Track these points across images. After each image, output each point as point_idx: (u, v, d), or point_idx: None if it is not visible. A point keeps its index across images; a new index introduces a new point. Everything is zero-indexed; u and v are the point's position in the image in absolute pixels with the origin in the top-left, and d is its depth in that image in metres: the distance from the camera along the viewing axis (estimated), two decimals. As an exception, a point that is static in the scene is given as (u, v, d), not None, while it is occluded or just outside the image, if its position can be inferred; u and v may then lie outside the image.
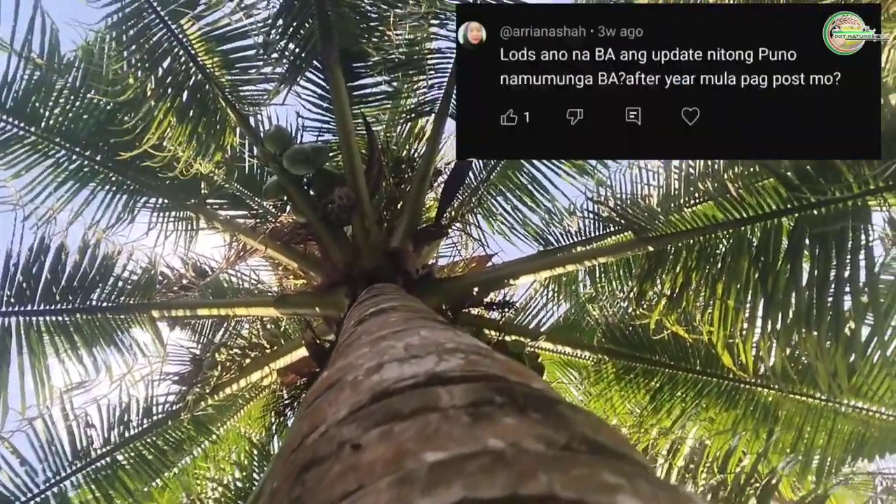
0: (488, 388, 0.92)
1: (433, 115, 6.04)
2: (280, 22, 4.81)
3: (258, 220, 5.99)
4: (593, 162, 6.17)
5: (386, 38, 5.25)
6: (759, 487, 4.10)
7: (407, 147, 6.54)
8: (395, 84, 6.05)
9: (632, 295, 5.23)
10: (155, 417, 5.56)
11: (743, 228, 4.48)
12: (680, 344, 5.28)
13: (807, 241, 4.04)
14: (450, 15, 5.54)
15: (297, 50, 4.96)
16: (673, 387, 5.29)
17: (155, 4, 4.90)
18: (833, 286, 3.84)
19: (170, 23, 5.02)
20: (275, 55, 4.99)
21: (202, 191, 5.88)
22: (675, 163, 5.33)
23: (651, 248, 5.05)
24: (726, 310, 4.38)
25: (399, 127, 6.59)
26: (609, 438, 0.84)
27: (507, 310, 5.73)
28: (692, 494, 0.70)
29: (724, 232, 4.60)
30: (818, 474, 4.56)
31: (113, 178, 5.68)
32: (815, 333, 3.90)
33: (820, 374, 3.91)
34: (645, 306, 5.13)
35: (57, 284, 5.08)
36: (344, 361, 1.33)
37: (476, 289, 5.33)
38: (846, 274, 3.81)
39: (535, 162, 6.42)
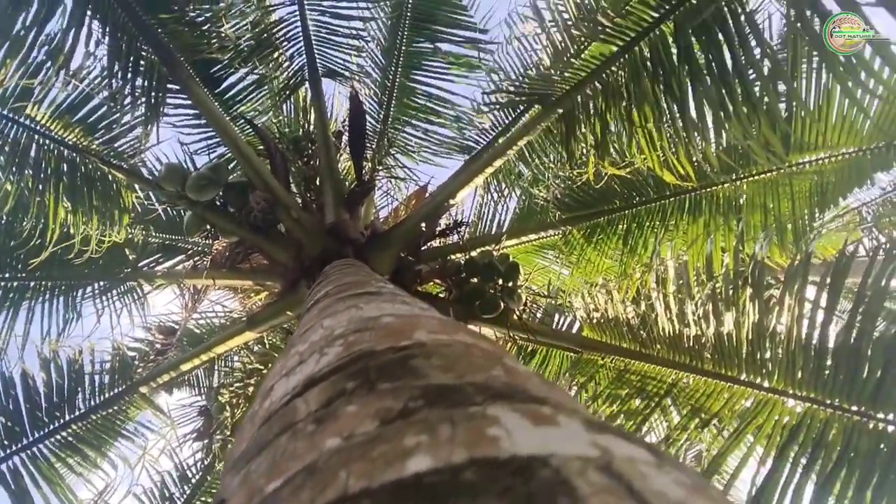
0: (344, 376, 0.90)
1: (306, 82, 5.92)
2: (116, 67, 4.63)
3: (196, 259, 5.91)
4: (477, 53, 6.10)
5: (225, 34, 5.08)
6: (749, 273, 4.22)
7: (299, 123, 6.43)
8: (257, 71, 5.91)
9: (564, 160, 5.26)
10: (193, 480, 5.60)
11: (632, 52, 4.49)
12: (627, 183, 5.34)
13: (693, 40, 4.06)
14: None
15: (146, 84, 4.79)
16: (638, 223, 5.38)
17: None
18: (731, 65, 3.87)
19: (16, 117, 4.83)
20: (128, 101, 4.82)
21: (130, 257, 5.77)
22: (548, 16, 5.27)
23: (561, 110, 5.05)
24: (650, 134, 4.42)
25: (283, 108, 6.48)
26: (469, 368, 0.80)
27: (460, 229, 5.73)
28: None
29: (618, 64, 4.60)
30: (795, 238, 4.69)
31: (42, 287, 5.56)
32: (735, 116, 3.96)
33: (755, 150, 3.98)
34: (580, 163, 5.17)
35: (39, 408, 5.02)
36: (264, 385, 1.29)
37: (423, 224, 5.31)
38: (741, 54, 3.85)
39: (426, 77, 6.34)
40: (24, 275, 5.40)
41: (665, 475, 0.53)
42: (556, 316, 5.74)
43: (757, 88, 3.96)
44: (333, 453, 0.65)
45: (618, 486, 0.49)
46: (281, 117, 6.52)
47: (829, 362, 3.82)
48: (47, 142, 4.98)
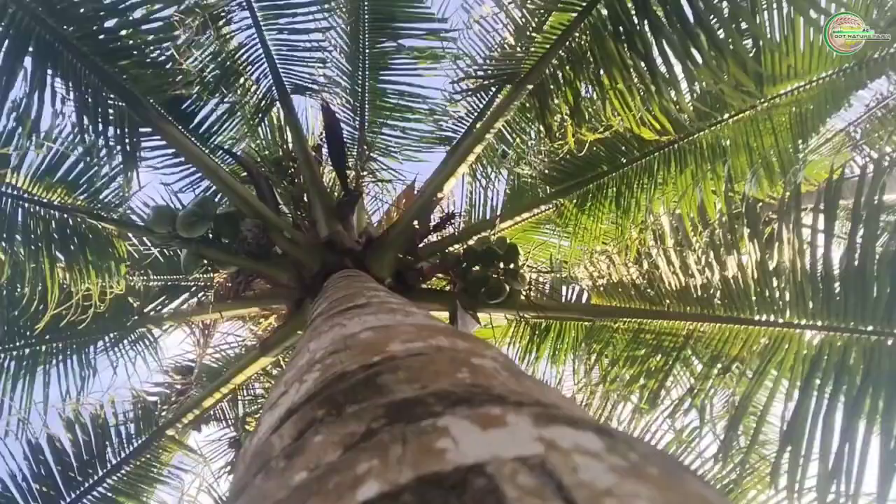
0: (316, 403, 0.90)
1: (277, 102, 5.92)
2: (86, 121, 4.64)
3: (200, 294, 5.93)
4: (441, 43, 6.08)
5: (188, 70, 5.08)
6: (743, 214, 4.21)
7: (277, 144, 6.43)
8: (227, 99, 5.91)
9: (543, 134, 5.25)
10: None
11: (591, 15, 4.48)
12: (609, 146, 5.33)
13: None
14: (226, 6, 5.38)
15: (118, 133, 4.79)
16: (627, 184, 5.37)
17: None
18: (691, 13, 3.86)
19: (7, 191, 4.86)
20: (104, 152, 4.83)
21: (135, 305, 5.79)
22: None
23: (531, 86, 5.05)
24: (622, 94, 4.42)
25: (259, 131, 6.47)
26: (435, 376, 0.80)
27: (454, 221, 5.74)
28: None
29: (579, 30, 4.60)
30: (784, 171, 4.68)
31: (53, 349, 5.59)
32: (703, 63, 3.95)
33: (728, 93, 3.97)
34: (559, 135, 5.16)
35: (71, 469, 5.06)
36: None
37: (416, 222, 5.32)
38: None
39: (394, 76, 6.32)
40: (33, 340, 5.43)
41: (601, 462, 0.54)
42: (564, 289, 5.75)
43: (720, 32, 3.95)
44: (298, 489, 0.65)
45: (547, 484, 0.50)
46: (259, 141, 6.52)
47: (837, 288, 3.82)
48: (32, 206, 4.99)
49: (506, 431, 0.61)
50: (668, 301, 4.75)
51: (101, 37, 4.48)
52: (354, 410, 0.80)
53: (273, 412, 1.05)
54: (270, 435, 0.93)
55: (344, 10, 5.96)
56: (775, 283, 4.09)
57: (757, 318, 4.26)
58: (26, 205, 4.97)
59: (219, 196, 5.92)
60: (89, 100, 4.48)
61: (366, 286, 2.63)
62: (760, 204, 4.68)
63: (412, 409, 0.72)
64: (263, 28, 5.56)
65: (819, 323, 3.90)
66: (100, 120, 4.61)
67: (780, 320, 4.13)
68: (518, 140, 5.80)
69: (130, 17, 4.60)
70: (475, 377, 0.83)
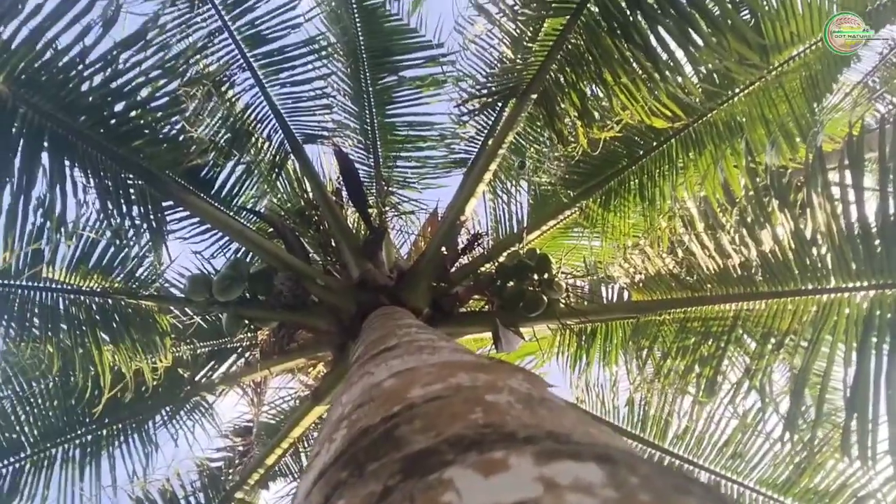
0: (341, 465, 0.89)
1: (290, 154, 6.00)
2: (110, 206, 4.74)
3: (247, 354, 5.99)
4: (441, 69, 6.12)
5: (199, 139, 5.18)
6: (770, 185, 4.14)
7: (297, 194, 6.51)
8: (243, 161, 5.99)
9: (556, 140, 5.25)
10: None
11: (584, 15, 4.48)
12: (625, 140, 5.31)
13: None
14: (227, 71, 5.48)
15: (142, 211, 4.88)
16: (648, 175, 5.33)
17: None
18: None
19: (35, 284, 4.98)
20: (131, 232, 4.93)
21: (185, 375, 5.88)
22: (494, 9, 5.28)
23: (535, 95, 5.05)
24: (627, 87, 4.40)
25: (278, 185, 6.55)
26: (450, 421, 0.80)
27: (480, 240, 5.74)
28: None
29: (574, 31, 4.59)
30: (803, 136, 4.61)
31: (114, 431, 5.69)
32: (704, 43, 3.92)
33: (732, 68, 3.94)
34: (572, 139, 5.14)
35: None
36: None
37: (443, 248, 5.33)
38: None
39: (400, 109, 6.38)
40: (94, 426, 5.54)
41: (593, 498, 0.54)
42: (603, 290, 5.70)
43: (716, 10, 3.92)
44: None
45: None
46: (279, 194, 6.60)
47: (877, 244, 3.73)
48: (71, 296, 5.11)
49: (508, 475, 0.61)
50: (709, 286, 4.67)
51: (113, 121, 4.59)
52: (374, 468, 0.80)
53: (308, 476, 1.06)
54: (304, 501, 0.94)
55: (341, 53, 6.04)
56: (814, 251, 4.00)
57: (802, 287, 4.17)
58: (65, 296, 5.08)
59: (249, 255, 6.00)
60: (109, 184, 4.58)
61: (398, 324, 2.64)
62: (790, 170, 4.59)
63: (426, 460, 0.72)
64: (266, 85, 5.65)
65: (865, 283, 3.81)
66: (122, 202, 4.71)
67: (825, 285, 4.04)
68: (532, 149, 5.80)
69: (137, 98, 4.70)
70: (488, 416, 0.83)
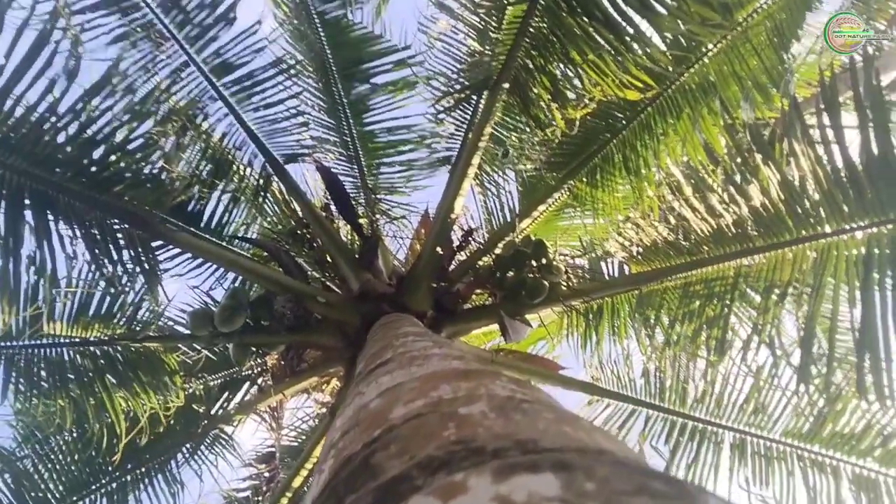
0: (324, 500, 0.90)
1: (273, 176, 5.99)
2: (99, 254, 4.74)
3: (259, 382, 6.00)
4: (411, 70, 6.11)
5: (179, 175, 5.18)
6: (750, 140, 4.14)
7: (286, 215, 6.50)
8: (227, 190, 5.99)
9: (533, 126, 5.24)
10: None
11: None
12: (602, 115, 5.30)
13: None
14: (198, 104, 5.48)
15: (132, 254, 4.87)
16: (629, 146, 5.32)
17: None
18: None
19: (38, 342, 4.99)
20: (125, 278, 4.93)
21: (200, 410, 5.88)
22: (454, 4, 5.27)
23: (506, 84, 5.05)
24: (595, 64, 4.39)
25: (265, 208, 6.54)
26: (423, 443, 0.80)
27: (474, 234, 5.73)
28: None
29: (535, 15, 4.58)
30: (777, 87, 4.60)
31: (137, 475, 5.70)
32: (662, 9, 3.91)
33: (696, 31, 3.93)
34: (550, 122, 5.14)
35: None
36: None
37: (438, 247, 5.33)
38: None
39: (376, 115, 6.36)
40: (117, 473, 5.55)
41: None
42: (603, 266, 5.69)
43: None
44: None
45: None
46: (269, 217, 6.59)
47: (865, 184, 3.72)
48: (75, 347, 5.12)
49: (466, 498, 0.61)
50: (705, 248, 4.67)
51: (92, 169, 4.57)
52: (351, 501, 0.80)
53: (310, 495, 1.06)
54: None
55: (311, 69, 6.03)
56: (805, 199, 3.99)
57: (798, 236, 4.16)
58: (69, 349, 5.09)
59: (247, 283, 6.00)
60: (96, 233, 4.58)
61: (396, 333, 2.64)
62: (773, 120, 4.58)
63: (397, 487, 0.72)
64: (240, 111, 5.65)
65: (859, 223, 3.80)
66: (112, 249, 4.70)
67: (821, 230, 4.03)
68: (513, 137, 5.79)
69: (113, 143, 4.69)
70: (460, 431, 0.83)
